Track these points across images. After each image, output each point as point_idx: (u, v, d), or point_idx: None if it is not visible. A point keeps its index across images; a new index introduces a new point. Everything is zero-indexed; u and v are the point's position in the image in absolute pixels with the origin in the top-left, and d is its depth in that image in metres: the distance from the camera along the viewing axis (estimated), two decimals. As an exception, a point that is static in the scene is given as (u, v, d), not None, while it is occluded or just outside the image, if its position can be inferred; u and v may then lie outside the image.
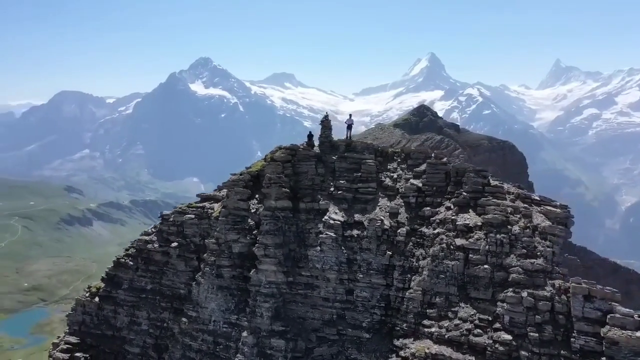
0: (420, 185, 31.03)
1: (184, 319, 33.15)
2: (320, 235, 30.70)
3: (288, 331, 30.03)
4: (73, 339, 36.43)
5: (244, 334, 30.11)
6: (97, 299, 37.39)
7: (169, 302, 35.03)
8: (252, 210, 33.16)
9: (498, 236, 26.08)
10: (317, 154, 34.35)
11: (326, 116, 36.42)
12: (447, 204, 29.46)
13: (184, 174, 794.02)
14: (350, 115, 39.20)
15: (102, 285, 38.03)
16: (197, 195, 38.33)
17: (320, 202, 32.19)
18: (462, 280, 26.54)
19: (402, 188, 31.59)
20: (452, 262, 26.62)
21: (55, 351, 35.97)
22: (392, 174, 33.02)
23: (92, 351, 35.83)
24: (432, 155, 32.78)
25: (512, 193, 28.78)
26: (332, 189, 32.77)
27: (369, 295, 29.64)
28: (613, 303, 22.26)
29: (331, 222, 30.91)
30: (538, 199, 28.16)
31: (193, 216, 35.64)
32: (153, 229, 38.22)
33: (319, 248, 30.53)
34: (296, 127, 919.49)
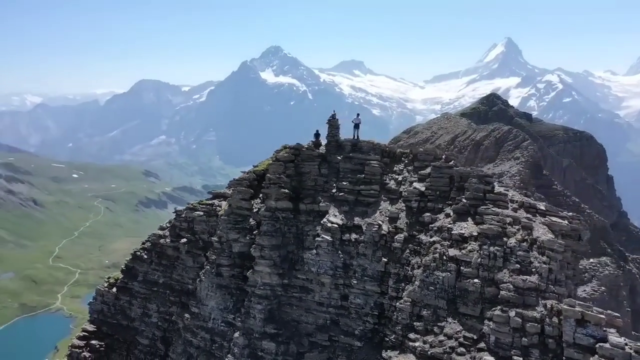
0: (423, 189, 29.36)
1: (186, 315, 33.82)
2: (317, 239, 30.01)
3: (280, 334, 29.75)
4: (90, 327, 38.34)
5: (236, 334, 30.21)
6: (114, 289, 39.03)
7: (177, 296, 35.84)
8: (255, 210, 33.01)
9: (492, 249, 24.17)
10: (321, 154, 33.50)
11: (333, 115, 35.43)
12: (448, 210, 27.74)
13: (253, 160, 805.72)
14: (358, 114, 37.79)
15: (121, 276, 39.63)
16: (208, 192, 38.68)
17: (321, 204, 31.43)
18: (452, 293, 24.86)
19: (405, 191, 30.08)
20: (443, 273, 25.03)
21: (74, 338, 38.00)
22: (397, 176, 31.56)
23: (107, 340, 37.50)
24: (443, 156, 31.01)
25: (516, 201, 26.56)
26: (334, 190, 31.88)
27: (363, 302, 28.65)
28: (610, 330, 20.02)
29: (329, 225, 30.09)
30: (544, 208, 25.78)
31: (202, 213, 36.09)
32: (168, 224, 39.18)
33: (314, 251, 29.85)
34: (365, 115, 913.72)
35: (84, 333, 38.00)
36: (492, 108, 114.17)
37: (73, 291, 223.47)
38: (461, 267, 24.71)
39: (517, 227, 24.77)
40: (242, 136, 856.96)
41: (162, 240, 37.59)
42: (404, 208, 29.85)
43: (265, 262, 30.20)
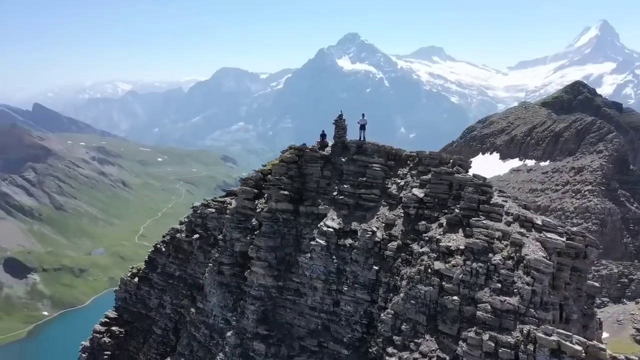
0: (422, 195, 27.91)
1: (192, 309, 34.85)
2: (311, 242, 29.62)
3: (272, 336, 29.84)
4: (112, 314, 40.60)
5: (228, 333, 30.70)
6: (136, 279, 40.95)
7: (189, 290, 36.99)
8: (258, 210, 33.14)
9: (474, 264, 22.58)
10: (324, 156, 32.90)
11: (340, 115, 34.62)
12: (442, 219, 26.24)
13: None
14: (364, 114, 36.55)
15: (143, 267, 41.48)
16: (222, 190, 39.19)
17: (320, 207, 30.94)
18: (434, 309, 23.51)
19: (405, 197, 28.81)
20: (426, 287, 23.76)
21: (97, 324, 40.42)
22: (400, 181, 30.30)
23: (127, 327, 39.56)
24: (450, 161, 29.34)
25: (512, 214, 24.57)
26: (335, 192, 31.22)
27: (353, 310, 27.96)
28: (587, 363, 18.11)
29: (324, 229, 29.56)
30: (540, 223, 23.60)
31: (214, 210, 36.83)
32: (185, 219, 40.37)
33: (309, 255, 29.50)
34: (442, 103, 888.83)
35: (106, 319, 40.39)
36: (577, 97, 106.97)
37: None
38: (443, 282, 23.37)
39: (505, 242, 22.97)
40: (317, 123, 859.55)
41: (178, 235, 38.93)
42: (402, 214, 28.66)
43: (260, 263, 30.36)
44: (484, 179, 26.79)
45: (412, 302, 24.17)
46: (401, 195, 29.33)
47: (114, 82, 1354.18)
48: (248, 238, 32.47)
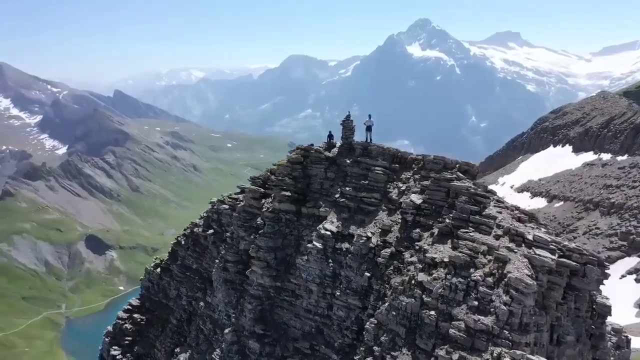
0: (420, 202, 26.94)
1: (202, 303, 35.88)
2: (308, 245, 29.53)
3: (268, 335, 30.20)
4: (134, 302, 42.63)
5: (226, 330, 31.36)
6: (159, 270, 42.67)
7: (202, 283, 38.09)
8: (263, 210, 33.40)
9: (454, 279, 21.57)
10: (329, 157, 32.52)
11: (348, 116, 34.01)
12: (435, 228, 25.21)
13: (395, 136, 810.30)
14: (370, 116, 35.61)
15: (166, 258, 43.13)
16: (237, 187, 39.82)
17: (321, 209, 30.71)
18: (415, 322, 22.75)
19: (403, 203, 27.91)
20: (408, 299, 23.02)
21: (120, 311, 42.61)
22: (402, 185, 29.42)
23: (148, 315, 41.40)
24: (457, 165, 28.09)
25: (502, 227, 23.13)
26: (337, 195, 30.85)
27: (345, 315, 27.66)
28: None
29: (322, 232, 29.34)
30: (531, 238, 22.05)
31: (227, 207, 37.51)
32: (205, 213, 41.41)
33: (306, 257, 29.45)
34: (517, 91, 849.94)
35: (129, 307, 42.55)
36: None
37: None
38: (424, 295, 22.55)
39: (489, 257, 21.77)
40: (385, 111, 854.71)
41: (196, 229, 40.09)
42: (400, 221, 27.88)
43: (259, 262, 30.71)
44: (484, 187, 25.49)
45: (394, 313, 23.55)
46: (401, 200, 28.51)
47: (188, 70, 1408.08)
48: (252, 237, 32.87)
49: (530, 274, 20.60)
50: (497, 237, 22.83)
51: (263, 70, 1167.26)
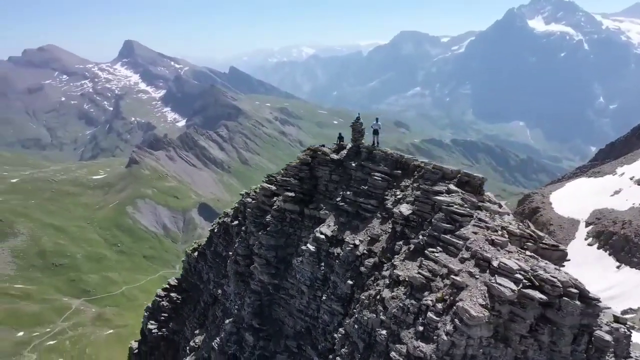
0: (408, 213, 26.03)
1: (219, 291, 37.86)
2: (302, 247, 29.92)
3: (264, 330, 31.34)
4: (172, 282, 45.93)
5: (227, 321, 32.92)
6: (196, 253, 45.45)
7: (227, 271, 40.05)
8: (274, 207, 34.17)
9: (408, 301, 20.86)
10: (335, 160, 32.27)
11: (357, 118, 33.34)
12: (412, 243, 24.30)
13: (510, 116, 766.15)
14: (377, 119, 34.23)
15: (204, 243, 45.77)
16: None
17: (321, 211, 30.85)
18: (373, 338, 22.42)
19: (395, 212, 27.09)
20: (370, 314, 22.72)
21: (159, 289, 46.17)
22: (399, 193, 28.52)
23: (184, 295, 44.49)
24: (458, 175, 26.60)
25: (471, 250, 21.64)
26: (339, 198, 30.69)
27: (329, 320, 27.87)
28: None
29: (317, 235, 29.58)
30: (496, 265, 20.46)
31: (251, 200, 38.81)
32: (235, 204, 43.15)
33: (300, 259, 29.92)
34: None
35: (167, 286, 46.02)
36: None
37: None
38: (380, 313, 22.10)
39: (446, 282, 20.71)
40: (500, 90, 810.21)
41: (226, 219, 42.10)
42: (390, 230, 27.21)
43: (259, 260, 31.79)
44: (472, 203, 24.04)
45: (357, 326, 23.47)
46: (394, 209, 27.78)
47: (299, 47, 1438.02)
48: (260, 233, 34.04)
49: (484, 303, 19.42)
50: (463, 261, 21.61)
51: (373, 46, 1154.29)
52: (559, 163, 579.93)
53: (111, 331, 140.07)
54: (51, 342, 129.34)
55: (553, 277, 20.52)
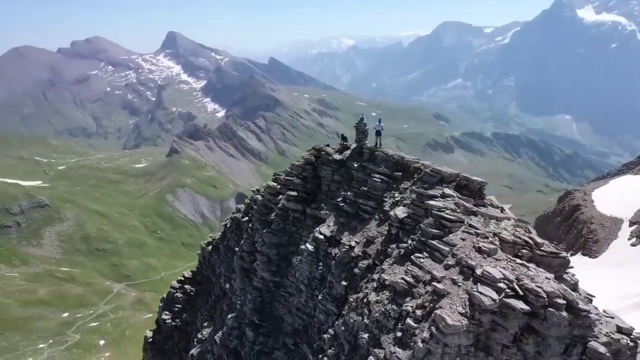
0: (403, 216, 25.90)
1: (227, 285, 38.65)
2: (301, 247, 30.22)
3: (263, 326, 31.93)
4: (187, 274, 47.10)
5: (229, 316, 33.63)
6: (210, 247, 46.44)
7: (234, 266, 40.79)
8: (278, 206, 34.58)
9: (390, 306, 20.87)
10: (337, 160, 32.32)
11: (361, 119, 33.25)
12: (401, 248, 24.20)
13: (555, 110, 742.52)
14: (380, 120, 33.91)
15: (218, 237, 46.71)
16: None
17: (322, 211, 31.05)
18: (358, 341, 22.54)
19: (391, 215, 26.99)
20: (356, 317, 22.88)
21: (174, 281, 47.46)
22: (397, 195, 28.37)
23: (197, 287, 45.64)
24: (457, 179, 26.28)
25: (456, 257, 21.38)
26: (340, 199, 30.80)
27: (324, 319, 28.13)
28: None
29: (316, 235, 29.83)
30: (479, 274, 20.16)
31: (261, 197, 39.32)
32: (247, 200, 43.80)
33: (299, 258, 30.26)
34: None
35: (182, 278, 47.30)
36: None
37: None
38: (365, 317, 22.21)
39: (428, 288, 20.59)
40: (545, 82, 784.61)
41: (237, 214, 42.85)
42: (385, 233, 27.18)
43: (261, 257, 32.34)
44: (463, 207, 23.73)
45: (343, 328, 23.71)
46: (390, 211, 27.69)
47: (338, 38, 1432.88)
48: (264, 231, 34.58)
49: (464, 312, 19.30)
50: (447, 267, 21.46)
51: (413, 37, 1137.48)
52: (607, 159, 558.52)
53: (150, 315, 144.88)
54: (93, 324, 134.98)
55: (539, 287, 20.17)
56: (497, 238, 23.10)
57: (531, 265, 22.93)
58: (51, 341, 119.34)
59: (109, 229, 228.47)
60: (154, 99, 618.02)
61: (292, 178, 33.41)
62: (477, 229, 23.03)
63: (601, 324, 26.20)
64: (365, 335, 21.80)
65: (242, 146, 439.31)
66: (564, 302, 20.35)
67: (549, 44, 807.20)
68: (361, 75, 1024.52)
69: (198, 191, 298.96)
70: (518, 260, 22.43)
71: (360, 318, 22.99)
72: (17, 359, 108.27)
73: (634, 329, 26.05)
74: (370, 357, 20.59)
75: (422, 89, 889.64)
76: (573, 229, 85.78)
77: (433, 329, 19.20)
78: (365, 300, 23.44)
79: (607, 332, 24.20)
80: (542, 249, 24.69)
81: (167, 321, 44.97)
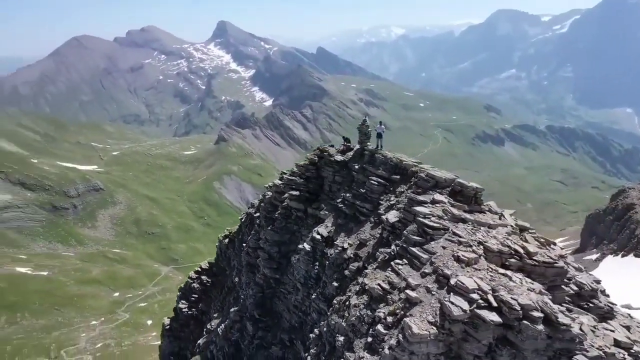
0: (394, 220, 25.94)
1: (237, 279, 39.74)
2: (299, 246, 30.75)
3: (263, 321, 32.82)
4: (204, 265, 48.59)
5: (232, 309, 34.65)
6: (227, 240, 47.69)
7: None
8: (283, 204, 35.22)
9: (364, 311, 21.15)
10: (339, 161, 32.54)
11: (364, 121, 33.27)
12: (385, 253, 24.31)
13: (615, 102, 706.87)
14: (381, 122, 33.69)
15: (234, 231, 47.90)
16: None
17: (321, 211, 31.45)
18: (337, 342, 22.92)
19: (384, 218, 27.06)
20: (338, 319, 23.26)
21: (192, 271, 49.07)
22: (393, 199, 28.35)
23: (213, 278, 47.07)
24: (451, 185, 26.05)
25: (434, 265, 21.29)
26: (339, 199, 31.09)
27: (317, 318, 28.65)
28: None
29: (314, 235, 30.28)
30: (453, 283, 20.05)
31: (271, 194, 40.02)
32: (261, 196, 44.60)
33: (297, 257, 30.83)
34: None
35: (199, 268, 48.89)
36: None
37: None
38: (344, 320, 22.57)
39: (401, 296, 20.69)
40: (605, 73, 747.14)
41: (251, 210, 43.84)
42: (378, 236, 27.30)
43: (263, 254, 33.17)
44: (451, 214, 23.59)
45: (326, 329, 24.19)
46: (383, 215, 27.79)
47: (388, 27, 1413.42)
48: (269, 228, 35.39)
49: (434, 321, 19.39)
50: (424, 275, 21.48)
51: (466, 26, 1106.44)
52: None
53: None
54: (142, 304, 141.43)
55: (514, 298, 20.03)
56: (481, 247, 22.94)
57: (517, 275, 22.71)
58: (102, 319, 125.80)
59: (158, 213, 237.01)
60: (204, 87, 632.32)
61: (295, 178, 34.06)
62: (460, 237, 22.92)
63: (597, 337, 25.74)
64: (341, 338, 22.28)
65: (288, 135, 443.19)
66: (541, 315, 20.13)
67: (610, 33, 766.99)
68: (410, 65, 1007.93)
69: (244, 179, 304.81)
70: (501, 270, 22.24)
71: (341, 320, 23.43)
72: (71, 333, 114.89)
73: (635, 343, 25.30)
74: (340, 360, 21.08)
75: (473, 80, 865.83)
76: (625, 229, 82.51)
77: (400, 336, 19.44)
78: (347, 303, 23.86)
79: (600, 346, 23.72)
80: (534, 258, 24.38)
81: (183, 310, 46.89)
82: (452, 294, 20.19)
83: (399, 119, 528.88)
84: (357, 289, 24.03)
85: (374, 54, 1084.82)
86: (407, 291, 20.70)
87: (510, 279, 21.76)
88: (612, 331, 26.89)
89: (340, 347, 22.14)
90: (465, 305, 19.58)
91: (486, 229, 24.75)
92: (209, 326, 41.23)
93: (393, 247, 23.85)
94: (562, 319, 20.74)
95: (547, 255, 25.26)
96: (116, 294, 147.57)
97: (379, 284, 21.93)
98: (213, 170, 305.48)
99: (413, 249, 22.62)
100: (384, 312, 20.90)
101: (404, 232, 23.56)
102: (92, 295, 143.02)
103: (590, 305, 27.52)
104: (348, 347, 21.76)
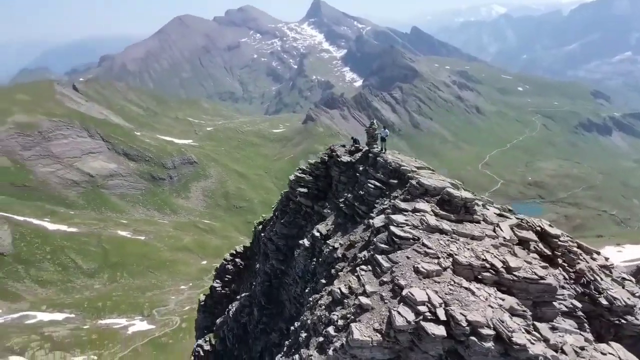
0: (379, 225, 26.34)
1: (258, 265, 41.89)
2: (299, 241, 32.05)
3: (268, 309, 34.69)
4: (239, 249, 51.24)
5: (243, 294, 36.84)
6: (260, 226, 49.90)
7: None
8: (296, 199, 36.60)
9: (324, 312, 22.19)
10: (345, 162, 33.18)
11: (372, 123, 33.42)
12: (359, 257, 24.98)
13: None
14: (385, 127, 33.20)
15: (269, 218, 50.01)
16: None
17: (325, 210, 32.45)
18: (300, 338, 24.22)
19: (372, 222, 27.54)
20: (310, 316, 24.49)
21: (227, 253, 51.98)
22: (387, 203, 28.65)
23: (246, 261, 49.64)
24: (441, 193, 25.99)
25: (392, 275, 21.63)
26: (342, 199, 31.91)
27: (304, 312, 29.90)
28: None
29: (314, 232, 31.45)
30: (404, 294, 20.36)
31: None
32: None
33: (298, 251, 32.20)
34: None
35: (234, 252, 51.70)
36: None
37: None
38: (311, 317, 23.76)
39: (356, 302, 21.39)
40: None
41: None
42: (367, 238, 27.90)
43: (271, 245, 34.91)
44: (426, 224, 23.77)
45: (298, 324, 25.54)
46: (372, 219, 28.31)
47: (489, 5, 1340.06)
48: (282, 221, 37.07)
49: (380, 328, 20.12)
50: (382, 284, 22.11)
51: (576, 4, 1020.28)
52: None
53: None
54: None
55: (463, 314, 20.27)
56: (450, 259, 23.09)
57: (487, 289, 22.74)
58: (191, 284, 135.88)
59: (246, 188, 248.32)
60: (296, 66, 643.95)
61: (304, 175, 35.44)
62: (429, 248, 23.19)
63: (581, 358, 25.18)
64: (304, 335, 23.71)
65: (375, 117, 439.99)
66: (492, 333, 20.22)
67: None
68: (511, 46, 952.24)
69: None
70: (465, 284, 22.36)
71: (309, 318, 24.84)
72: (162, 295, 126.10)
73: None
74: (296, 355, 22.52)
75: (580, 63, 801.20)
76: None
77: (344, 340, 20.49)
78: (320, 302, 25.11)
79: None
80: (514, 273, 24.13)
81: (217, 289, 50.38)
82: (401, 304, 20.83)
83: (494, 103, 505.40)
84: (329, 290, 25.18)
85: (471, 34, 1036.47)
86: (361, 297, 21.61)
87: (473, 293, 21.84)
88: (606, 354, 25.98)
89: (302, 342, 23.59)
90: (411, 317, 20.19)
91: (467, 240, 24.70)
92: (230, 307, 44.18)
93: (365, 252, 24.65)
94: (517, 338, 20.64)
95: (532, 271, 24.83)
96: (204, 262, 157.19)
97: (339, 288, 22.98)
98: (300, 149, 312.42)
99: (378, 256, 23.30)
100: (337, 315, 21.99)
101: (374, 239, 24.25)
102: (183, 261, 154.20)
103: (623, 321, 26.54)
104: (306, 344, 23.17)
